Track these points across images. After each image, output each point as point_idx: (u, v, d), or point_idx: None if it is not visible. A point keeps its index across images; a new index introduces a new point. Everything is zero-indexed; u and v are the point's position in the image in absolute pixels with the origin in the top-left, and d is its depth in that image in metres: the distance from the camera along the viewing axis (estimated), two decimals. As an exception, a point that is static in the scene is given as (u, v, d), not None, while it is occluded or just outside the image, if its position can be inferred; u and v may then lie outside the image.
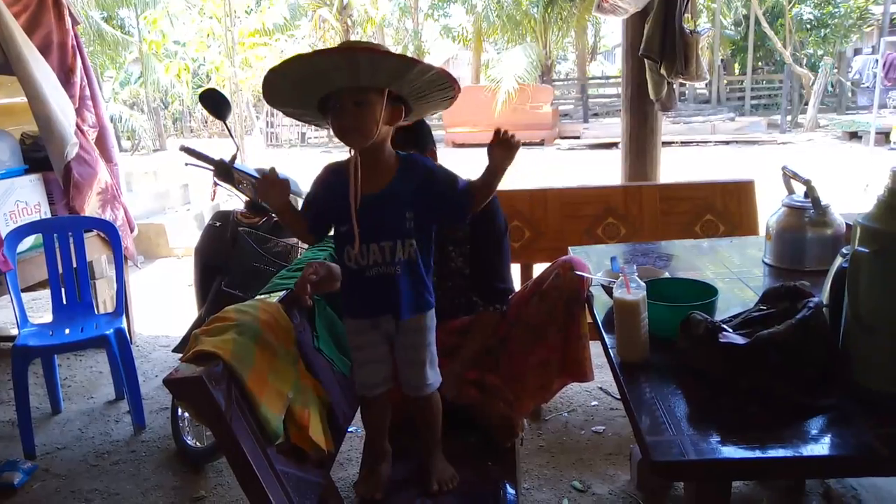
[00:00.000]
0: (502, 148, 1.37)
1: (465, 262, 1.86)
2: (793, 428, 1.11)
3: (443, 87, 1.37)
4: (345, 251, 1.42)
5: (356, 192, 1.36)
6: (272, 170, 1.40)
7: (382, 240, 1.40)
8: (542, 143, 14.53)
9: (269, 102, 1.40)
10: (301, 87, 1.33)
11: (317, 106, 1.38)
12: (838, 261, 1.31)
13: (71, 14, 3.37)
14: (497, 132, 1.37)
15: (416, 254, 1.42)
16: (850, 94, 17.29)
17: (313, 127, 18.50)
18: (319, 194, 1.46)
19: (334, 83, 1.31)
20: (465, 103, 15.52)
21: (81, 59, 3.39)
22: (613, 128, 13.25)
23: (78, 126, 3.24)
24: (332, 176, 1.44)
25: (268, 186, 1.39)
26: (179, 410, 2.53)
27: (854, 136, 12.52)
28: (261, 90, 1.41)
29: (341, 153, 1.42)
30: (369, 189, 1.38)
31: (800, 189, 1.93)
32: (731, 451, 1.06)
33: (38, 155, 3.23)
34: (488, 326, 1.82)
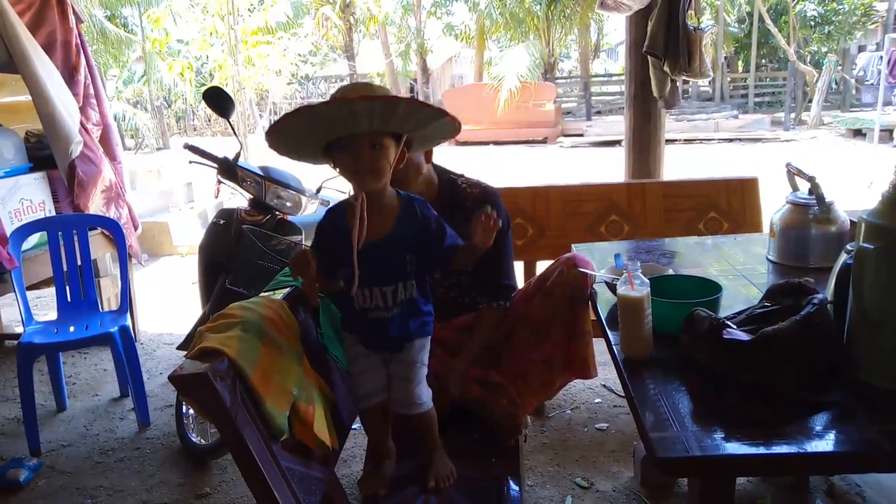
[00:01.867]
0: (484, 233, 1.37)
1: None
2: (797, 424, 1.11)
3: (448, 130, 1.41)
4: (347, 291, 1.42)
5: (360, 236, 1.35)
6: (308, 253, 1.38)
7: (384, 284, 1.41)
8: (544, 141, 14.53)
9: (273, 144, 1.35)
10: (315, 129, 1.30)
11: (322, 146, 1.36)
12: (842, 257, 1.31)
13: (75, 12, 3.37)
14: (482, 216, 1.36)
15: (415, 291, 1.44)
16: (854, 92, 17.23)
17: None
18: (325, 240, 1.45)
19: (355, 128, 1.29)
20: (468, 101, 15.58)
21: (85, 58, 3.40)
22: (616, 125, 13.24)
23: (82, 124, 3.25)
24: (335, 219, 1.44)
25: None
26: (184, 407, 2.53)
27: (858, 133, 12.47)
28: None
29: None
30: (372, 235, 1.37)
31: (804, 186, 1.93)
32: (735, 448, 1.06)
33: (42, 153, 3.23)
34: (492, 323, 1.82)
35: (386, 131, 1.33)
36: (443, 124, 1.38)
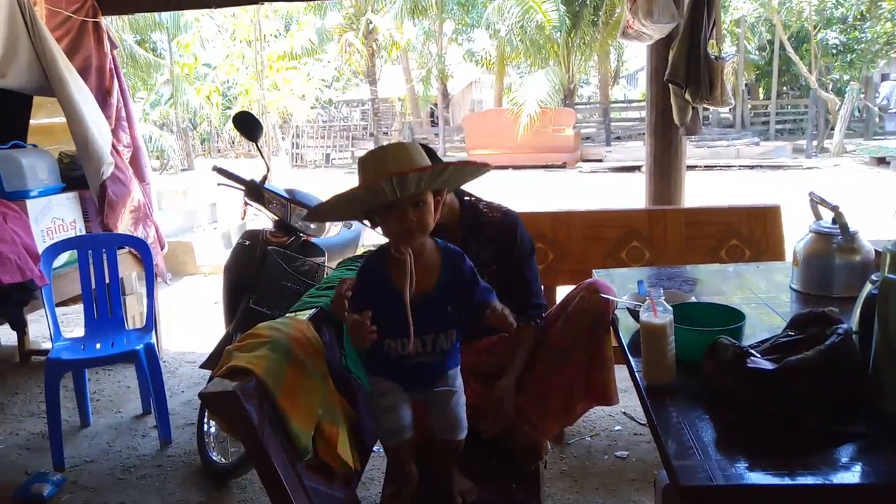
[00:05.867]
0: (497, 322, 1.42)
1: (491, 283, 1.87)
2: (821, 455, 1.11)
3: (480, 175, 1.45)
4: (385, 343, 1.42)
5: (411, 292, 1.35)
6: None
7: (425, 334, 1.42)
8: (563, 166, 14.57)
9: (315, 218, 1.43)
10: (361, 201, 1.35)
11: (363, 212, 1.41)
12: (868, 287, 1.30)
13: (110, 38, 3.49)
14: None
15: (454, 338, 1.47)
16: (877, 120, 17.10)
17: (337, 148, 18.77)
18: (364, 292, 1.44)
19: (402, 194, 1.31)
20: (488, 126, 15.69)
21: (118, 82, 3.51)
22: (636, 151, 13.25)
23: (113, 146, 3.34)
24: (374, 272, 1.44)
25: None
26: (205, 426, 2.56)
27: (882, 161, 12.36)
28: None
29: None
30: (418, 288, 1.37)
31: (827, 215, 1.93)
32: (759, 478, 1.06)
33: (75, 174, 3.32)
34: (530, 342, 1.83)
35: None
36: (477, 172, 1.42)
